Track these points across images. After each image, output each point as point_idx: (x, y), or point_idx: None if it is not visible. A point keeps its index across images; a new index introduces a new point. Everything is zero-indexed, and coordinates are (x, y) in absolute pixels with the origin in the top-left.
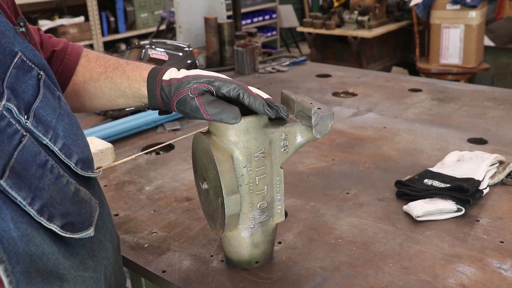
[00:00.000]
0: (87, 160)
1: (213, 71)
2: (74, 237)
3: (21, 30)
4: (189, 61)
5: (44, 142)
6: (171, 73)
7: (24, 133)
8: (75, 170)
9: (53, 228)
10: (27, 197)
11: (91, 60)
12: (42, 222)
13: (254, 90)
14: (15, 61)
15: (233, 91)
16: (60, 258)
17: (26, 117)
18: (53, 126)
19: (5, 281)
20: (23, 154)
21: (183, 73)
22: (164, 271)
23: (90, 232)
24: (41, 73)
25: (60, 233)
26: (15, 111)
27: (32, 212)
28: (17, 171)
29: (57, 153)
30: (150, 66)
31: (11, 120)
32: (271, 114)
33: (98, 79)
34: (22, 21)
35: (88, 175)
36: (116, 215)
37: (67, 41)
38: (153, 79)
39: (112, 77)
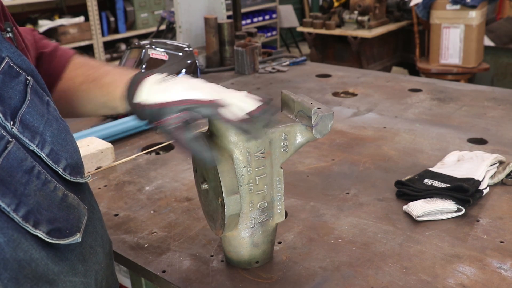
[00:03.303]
0: (76, 165)
1: (213, 71)
2: (60, 243)
3: (8, 35)
4: (189, 61)
5: (31, 148)
6: (151, 89)
7: (10, 139)
8: (63, 175)
9: (38, 235)
10: (11, 204)
11: (77, 66)
12: (28, 229)
13: (228, 114)
14: (2, 66)
15: (207, 113)
16: (49, 263)
17: (12, 123)
18: (41, 131)
19: None
20: (8, 160)
21: (162, 91)
22: (164, 271)
23: (77, 238)
24: (29, 78)
25: (46, 239)
26: (0, 117)
27: (16, 218)
28: (1, 177)
29: (44, 158)
30: (131, 74)
31: None
32: (248, 132)
33: (79, 89)
34: (9, 26)
35: (77, 181)
36: (116, 215)
37: (58, 45)
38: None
39: (90, 89)
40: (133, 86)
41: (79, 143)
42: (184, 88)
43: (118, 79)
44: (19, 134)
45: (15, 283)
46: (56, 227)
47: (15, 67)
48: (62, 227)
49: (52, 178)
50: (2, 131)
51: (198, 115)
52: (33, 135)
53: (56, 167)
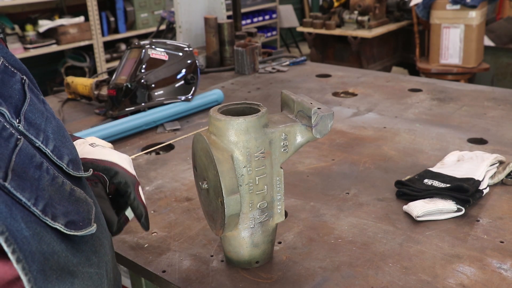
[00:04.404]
0: (75, 161)
1: (213, 71)
2: (78, 234)
3: (0, 36)
4: (189, 61)
5: (37, 144)
6: (82, 148)
7: (19, 136)
8: (67, 171)
9: (57, 227)
10: (31, 198)
11: None
12: (47, 222)
13: (142, 194)
14: None
15: (123, 186)
16: (68, 255)
17: (17, 120)
18: (43, 128)
19: (24, 279)
20: (20, 157)
21: (86, 150)
22: (164, 271)
23: (93, 228)
24: (24, 78)
25: (64, 231)
26: (7, 115)
27: (37, 212)
28: (18, 173)
29: (49, 155)
30: None
31: (5, 124)
32: (145, 227)
33: None
34: (0, 27)
35: (79, 175)
36: None
37: None
38: None
39: None
40: None
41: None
42: (115, 153)
43: None
44: (25, 131)
45: (43, 275)
46: (71, 220)
47: (10, 67)
48: (75, 219)
49: (59, 174)
50: (11, 129)
51: (117, 180)
52: (37, 132)
53: (61, 162)
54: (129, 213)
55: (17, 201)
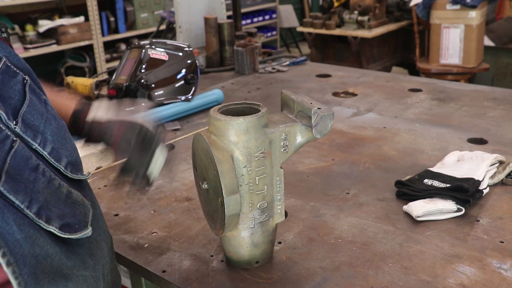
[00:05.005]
0: (75, 163)
1: (213, 71)
2: (72, 237)
3: (3, 36)
4: (189, 61)
5: (34, 147)
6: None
7: (15, 138)
8: (65, 173)
9: (52, 230)
10: (24, 201)
11: None
12: (41, 225)
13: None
14: (0, 66)
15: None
16: (63, 258)
17: (14, 122)
18: (41, 130)
19: (14, 283)
20: (15, 159)
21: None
22: (164, 271)
23: (88, 232)
24: (26, 78)
25: (59, 234)
26: (3, 117)
27: (30, 215)
28: (12, 175)
29: (46, 157)
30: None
31: (0, 126)
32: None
33: None
34: (4, 27)
35: (78, 178)
36: (116, 215)
37: None
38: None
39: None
40: (85, 106)
41: (79, 142)
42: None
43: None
44: (22, 133)
45: (34, 278)
46: (66, 223)
47: (12, 66)
48: (71, 222)
49: (56, 176)
50: (6, 131)
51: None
52: (35, 134)
53: (58, 165)
54: (156, 160)
55: (10, 204)
